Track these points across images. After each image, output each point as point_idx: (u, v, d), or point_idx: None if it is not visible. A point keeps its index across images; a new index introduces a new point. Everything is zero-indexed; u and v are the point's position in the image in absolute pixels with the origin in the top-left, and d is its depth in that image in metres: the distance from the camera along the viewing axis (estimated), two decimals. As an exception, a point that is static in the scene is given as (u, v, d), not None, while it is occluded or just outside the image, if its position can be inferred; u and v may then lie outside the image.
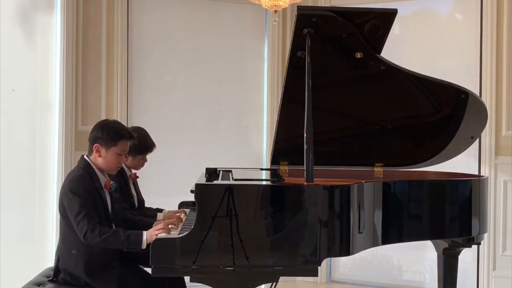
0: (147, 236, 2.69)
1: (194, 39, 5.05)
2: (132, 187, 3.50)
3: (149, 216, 3.40)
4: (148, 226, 2.96)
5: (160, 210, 3.49)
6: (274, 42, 5.19)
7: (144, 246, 2.69)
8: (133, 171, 3.53)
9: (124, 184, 3.38)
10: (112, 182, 2.97)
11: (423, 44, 4.89)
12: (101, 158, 2.89)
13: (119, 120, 4.33)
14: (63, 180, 4.29)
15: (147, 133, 3.52)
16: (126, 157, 3.19)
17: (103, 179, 2.93)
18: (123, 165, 3.34)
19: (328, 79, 3.30)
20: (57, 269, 2.89)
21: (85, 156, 2.94)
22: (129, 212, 3.35)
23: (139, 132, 3.41)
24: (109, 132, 2.89)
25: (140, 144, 3.40)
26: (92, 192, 2.82)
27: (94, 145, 2.89)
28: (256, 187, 2.68)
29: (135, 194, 3.53)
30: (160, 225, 2.77)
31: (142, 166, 3.54)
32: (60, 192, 2.88)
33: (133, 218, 3.28)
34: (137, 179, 3.59)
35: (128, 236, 2.72)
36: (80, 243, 2.78)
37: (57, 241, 2.99)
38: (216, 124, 5.14)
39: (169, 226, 2.80)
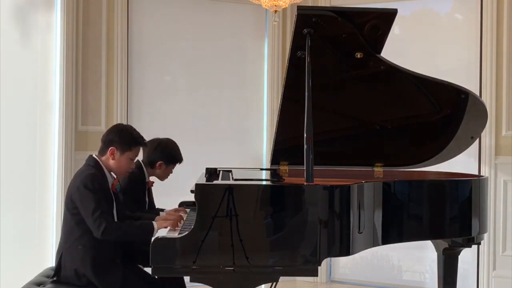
0: (157, 225, 2.85)
1: (194, 39, 5.05)
2: (146, 194, 3.53)
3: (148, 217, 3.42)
4: None
5: (162, 210, 3.50)
6: (274, 42, 5.19)
7: (155, 234, 2.82)
8: (151, 179, 3.55)
9: (142, 189, 3.42)
10: (118, 183, 3.02)
11: (423, 44, 4.89)
12: (114, 161, 2.95)
13: (119, 120, 4.35)
14: (63, 180, 4.34)
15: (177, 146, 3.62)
16: (160, 166, 3.44)
17: (110, 180, 2.97)
18: (146, 172, 3.46)
19: (328, 79, 3.30)
20: (59, 267, 2.89)
21: (94, 156, 2.97)
22: (128, 211, 3.37)
23: (173, 143, 3.56)
24: (127, 138, 2.97)
25: (176, 154, 3.54)
26: (105, 190, 2.87)
27: (110, 148, 2.94)
28: (256, 187, 2.68)
29: (147, 201, 3.55)
30: (169, 219, 2.92)
31: (167, 177, 3.59)
32: (70, 188, 2.90)
33: (132, 216, 3.30)
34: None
35: (141, 225, 2.90)
36: (86, 238, 2.81)
37: (57, 240, 2.99)
38: (216, 124, 5.14)
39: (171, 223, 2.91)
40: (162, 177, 3.58)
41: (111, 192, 2.95)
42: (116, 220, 2.93)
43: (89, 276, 2.81)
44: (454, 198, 3.16)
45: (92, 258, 2.82)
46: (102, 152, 2.97)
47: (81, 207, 2.80)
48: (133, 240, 3.06)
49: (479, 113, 3.44)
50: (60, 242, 2.95)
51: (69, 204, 2.87)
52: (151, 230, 2.83)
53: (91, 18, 4.64)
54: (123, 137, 2.96)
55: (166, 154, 3.47)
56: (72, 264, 2.84)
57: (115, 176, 3.02)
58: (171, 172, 3.60)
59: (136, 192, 3.41)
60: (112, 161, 2.95)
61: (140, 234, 2.89)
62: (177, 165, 3.61)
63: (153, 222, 2.87)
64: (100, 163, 2.95)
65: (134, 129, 3.08)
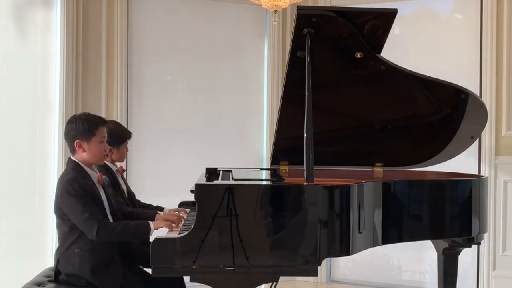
0: (154, 225, 2.82)
1: (194, 39, 5.05)
2: (121, 182, 3.51)
3: (148, 214, 3.42)
4: (149, 219, 3.01)
5: (161, 209, 3.50)
6: (274, 42, 5.19)
7: (152, 234, 2.81)
8: (119, 164, 3.53)
9: (114, 180, 3.39)
10: (104, 176, 2.97)
11: (423, 44, 4.89)
12: (85, 153, 2.89)
13: (119, 121, 4.35)
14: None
15: (119, 123, 3.61)
16: (111, 151, 3.32)
17: (94, 176, 2.93)
18: (107, 162, 3.37)
19: (328, 79, 3.30)
20: (57, 271, 2.89)
21: (72, 157, 2.92)
22: (129, 207, 3.37)
23: (113, 123, 3.50)
24: (84, 124, 2.88)
25: (120, 133, 3.49)
26: (89, 190, 2.83)
27: (75, 142, 2.87)
28: (256, 187, 2.67)
29: (125, 190, 3.53)
30: (165, 219, 2.91)
31: (126, 156, 3.57)
32: (56, 196, 2.86)
33: (133, 212, 3.30)
34: (136, 178, 3.59)
35: (137, 225, 2.85)
36: (82, 241, 2.79)
37: (57, 241, 2.98)
38: (216, 124, 5.14)
39: (172, 224, 2.91)
40: (119, 159, 3.53)
41: (99, 188, 2.91)
42: (110, 215, 2.92)
43: (88, 278, 2.80)
44: (454, 198, 3.16)
45: (90, 260, 2.80)
46: (72, 150, 2.91)
47: (70, 214, 2.78)
48: (130, 240, 3.03)
49: (479, 113, 3.44)
50: (57, 246, 2.94)
51: (58, 212, 2.85)
52: (148, 231, 2.82)
53: (91, 18, 4.64)
54: (81, 125, 2.87)
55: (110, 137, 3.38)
56: (70, 268, 2.83)
57: (97, 171, 2.98)
58: (127, 149, 3.55)
59: (112, 184, 3.37)
60: (83, 154, 2.88)
61: (136, 234, 2.87)
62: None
63: (150, 222, 2.84)
64: (79, 163, 2.89)
65: (89, 113, 2.98)
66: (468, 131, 3.55)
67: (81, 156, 2.89)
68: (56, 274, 2.89)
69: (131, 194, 3.59)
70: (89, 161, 2.91)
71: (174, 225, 2.93)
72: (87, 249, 2.80)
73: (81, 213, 2.73)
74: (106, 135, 2.97)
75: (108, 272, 2.83)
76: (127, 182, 3.67)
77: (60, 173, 4.37)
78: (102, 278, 2.81)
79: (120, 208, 3.20)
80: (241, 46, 5.21)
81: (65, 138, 2.93)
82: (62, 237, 2.87)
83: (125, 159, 3.61)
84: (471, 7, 4.70)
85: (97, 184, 2.92)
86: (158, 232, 2.83)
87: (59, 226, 2.88)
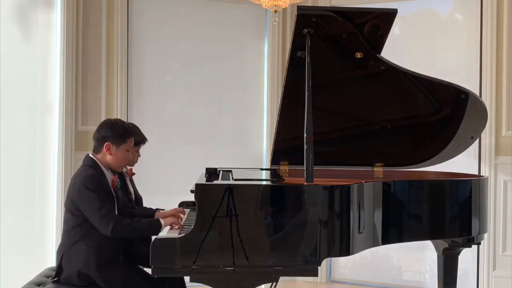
0: (164, 221, 2.88)
1: (194, 39, 5.05)
2: (129, 184, 3.51)
3: (149, 213, 3.43)
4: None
5: (162, 210, 3.50)
6: (274, 42, 5.19)
7: (163, 229, 2.85)
8: (129, 167, 3.53)
9: (122, 181, 3.40)
10: (117, 180, 3.03)
11: (423, 44, 4.89)
12: (111, 156, 2.96)
13: (119, 120, 4.34)
14: (63, 180, 4.34)
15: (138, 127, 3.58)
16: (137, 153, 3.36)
17: (109, 177, 2.98)
18: None
19: (328, 79, 3.30)
20: (59, 268, 2.89)
21: (91, 155, 2.97)
22: (130, 208, 3.37)
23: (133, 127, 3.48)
24: (119, 130, 2.97)
25: (136, 137, 3.46)
26: (105, 188, 2.89)
27: (105, 144, 2.94)
28: (256, 187, 2.68)
29: (133, 192, 3.54)
30: (171, 214, 3.01)
31: (137, 161, 3.57)
32: (70, 190, 2.91)
33: (133, 212, 3.31)
34: (136, 178, 3.60)
35: (149, 222, 2.93)
36: (89, 238, 2.82)
37: (57, 241, 2.99)
38: (216, 124, 5.14)
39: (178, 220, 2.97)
40: (130, 163, 3.53)
41: (112, 189, 2.96)
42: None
43: (92, 276, 2.82)
44: (454, 198, 3.16)
45: (96, 257, 2.82)
46: (97, 150, 2.97)
47: (85, 208, 2.81)
48: (142, 236, 3.10)
49: (479, 113, 3.44)
50: (60, 243, 2.95)
51: (70, 206, 2.87)
52: (159, 226, 2.86)
53: (91, 18, 4.64)
54: (116, 130, 2.96)
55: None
56: (74, 264, 2.84)
57: (112, 174, 3.03)
58: (139, 155, 3.54)
59: (121, 186, 3.39)
60: (109, 156, 2.95)
61: (148, 230, 2.92)
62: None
63: (161, 219, 2.89)
64: (97, 161, 2.95)
65: (124, 121, 3.11)
66: (468, 131, 3.55)
67: (104, 158, 2.96)
68: (59, 272, 2.89)
69: (138, 198, 3.59)
70: (110, 164, 2.98)
71: (180, 218, 3.00)
72: (93, 245, 2.83)
73: (98, 208, 2.78)
74: (132, 145, 3.07)
75: (112, 270, 2.86)
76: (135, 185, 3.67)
77: (60, 173, 4.44)
78: (107, 275, 2.83)
79: (126, 210, 3.22)
80: (241, 46, 5.21)
81: (95, 138, 3.00)
82: (68, 233, 2.89)
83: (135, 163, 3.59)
84: (471, 7, 4.70)
85: (110, 185, 2.96)
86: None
87: (67, 221, 2.91)
